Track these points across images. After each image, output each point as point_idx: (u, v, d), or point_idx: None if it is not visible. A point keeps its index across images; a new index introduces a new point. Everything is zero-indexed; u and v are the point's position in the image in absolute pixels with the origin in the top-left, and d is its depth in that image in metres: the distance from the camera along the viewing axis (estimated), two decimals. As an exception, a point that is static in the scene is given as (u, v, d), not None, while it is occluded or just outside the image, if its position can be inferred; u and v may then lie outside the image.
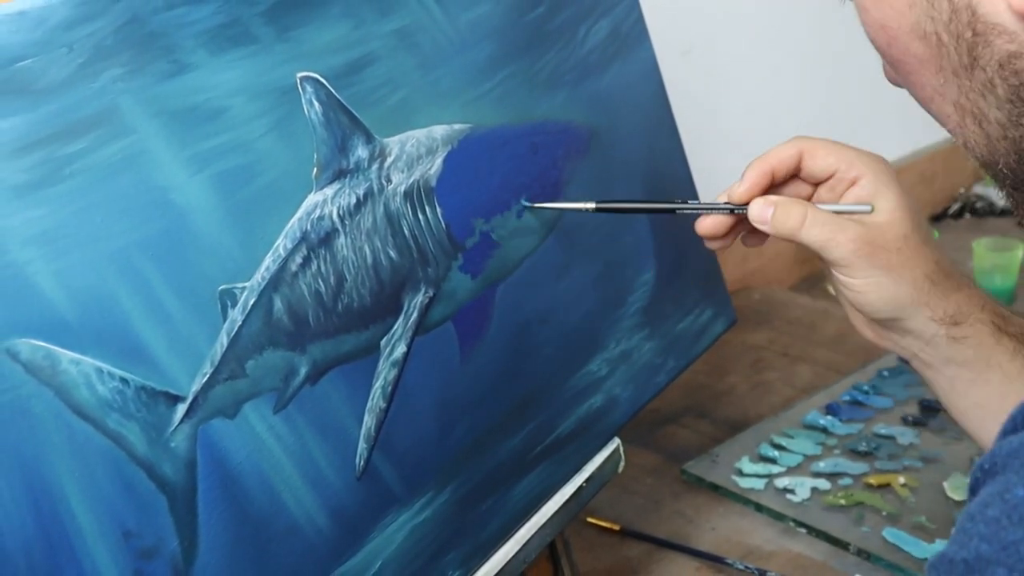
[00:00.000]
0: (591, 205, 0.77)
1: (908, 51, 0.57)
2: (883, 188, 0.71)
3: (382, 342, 0.68)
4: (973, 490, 0.47)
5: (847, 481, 1.07)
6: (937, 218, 1.71)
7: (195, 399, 0.58)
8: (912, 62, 0.57)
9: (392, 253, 0.68)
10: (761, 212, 0.71)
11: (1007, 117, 0.54)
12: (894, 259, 0.70)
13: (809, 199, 0.74)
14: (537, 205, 0.78)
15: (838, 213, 0.70)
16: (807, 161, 0.73)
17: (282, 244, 0.62)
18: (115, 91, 0.56)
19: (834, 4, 0.61)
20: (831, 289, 1.58)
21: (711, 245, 0.75)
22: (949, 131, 0.59)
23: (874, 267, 0.69)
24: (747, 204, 0.72)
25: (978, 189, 1.76)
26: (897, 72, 0.60)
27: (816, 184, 0.74)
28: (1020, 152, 0.55)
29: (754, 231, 0.73)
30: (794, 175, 0.74)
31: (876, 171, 0.72)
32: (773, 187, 0.73)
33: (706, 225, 0.74)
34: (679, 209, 0.76)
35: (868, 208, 0.71)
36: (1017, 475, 0.44)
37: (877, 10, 0.57)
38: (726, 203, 0.73)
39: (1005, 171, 0.56)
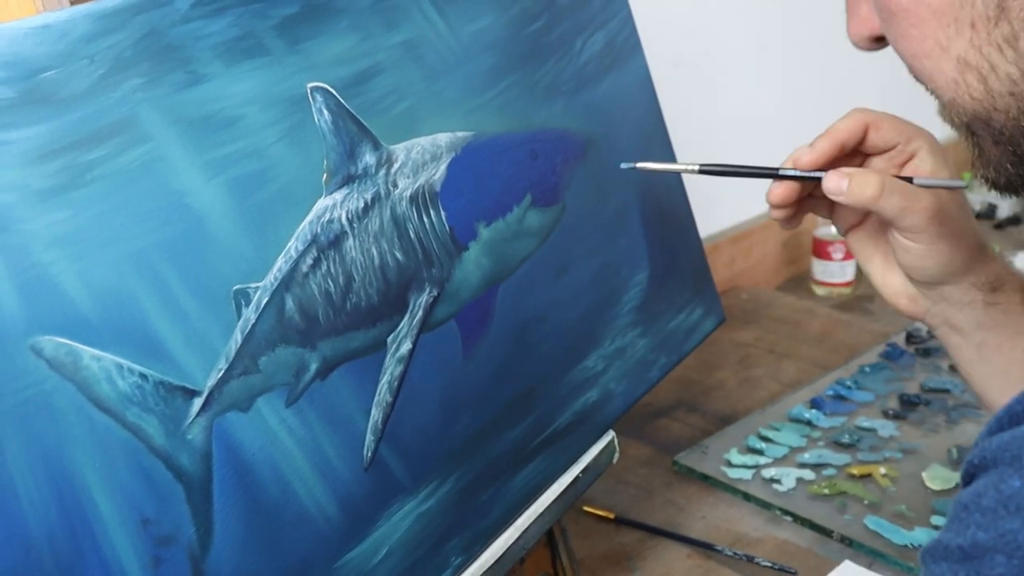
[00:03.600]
0: (695, 167, 0.73)
1: (923, 1, 0.54)
2: (939, 163, 0.71)
3: (389, 339, 0.68)
4: (965, 484, 0.47)
5: (830, 471, 1.07)
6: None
7: (210, 393, 0.57)
8: (922, 12, 0.54)
9: (398, 254, 0.68)
10: (837, 184, 0.68)
11: (1021, 72, 0.52)
12: (955, 226, 0.70)
13: (862, 166, 0.73)
14: (640, 165, 0.75)
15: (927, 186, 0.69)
16: (872, 133, 0.71)
17: (293, 246, 0.62)
18: (134, 100, 0.56)
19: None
20: (816, 289, 1.57)
21: (777, 215, 0.73)
22: (934, 86, 0.56)
23: (941, 235, 0.69)
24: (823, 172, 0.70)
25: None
26: (895, 23, 0.56)
27: (874, 155, 0.73)
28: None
29: (822, 201, 0.72)
30: (857, 147, 0.72)
31: (932, 146, 0.72)
32: (838, 159, 0.71)
33: (777, 193, 0.72)
34: (777, 176, 0.72)
35: (964, 183, 0.70)
36: (1011, 467, 0.44)
37: None
38: (816, 172, 0.70)
39: (995, 125, 0.54)
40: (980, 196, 1.73)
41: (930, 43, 0.54)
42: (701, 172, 0.73)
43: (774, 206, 0.73)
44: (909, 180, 0.69)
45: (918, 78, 0.57)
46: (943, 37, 0.54)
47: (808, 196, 0.73)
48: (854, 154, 0.72)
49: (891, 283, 0.75)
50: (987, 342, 0.73)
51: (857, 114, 0.72)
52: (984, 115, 0.54)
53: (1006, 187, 0.57)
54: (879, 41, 0.60)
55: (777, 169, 0.72)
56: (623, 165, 0.76)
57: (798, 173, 0.71)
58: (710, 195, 1.27)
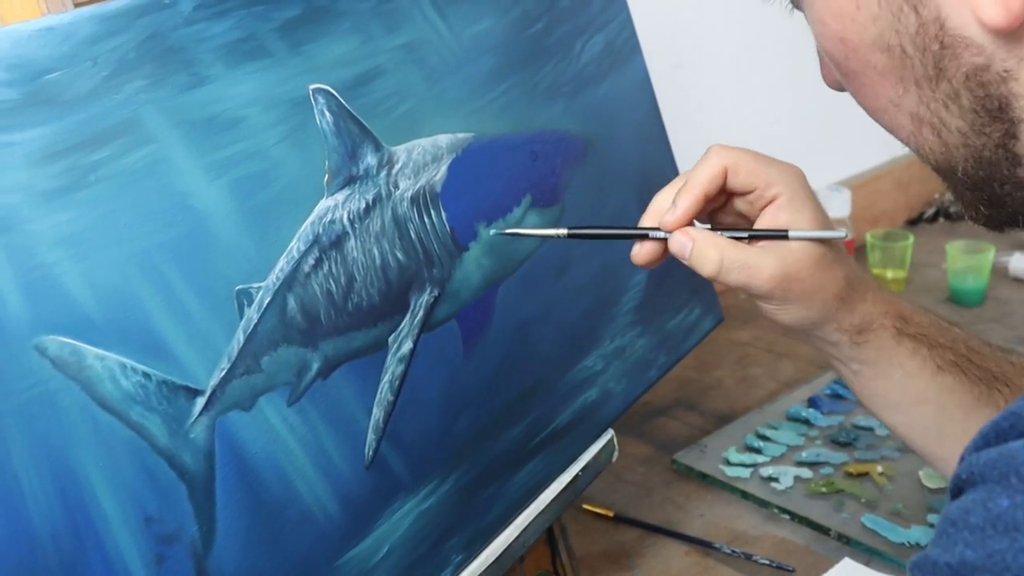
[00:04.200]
0: (563, 231, 0.73)
1: (868, 63, 0.55)
2: (799, 208, 0.69)
3: (390, 339, 0.68)
4: (953, 497, 0.47)
5: (828, 470, 1.07)
6: (913, 222, 1.71)
7: (213, 393, 0.57)
8: (870, 74, 0.55)
9: (399, 255, 0.68)
10: (681, 248, 0.69)
11: (969, 126, 0.53)
12: (807, 286, 0.69)
13: (725, 205, 0.72)
14: (507, 232, 0.75)
15: (757, 238, 0.68)
16: (730, 178, 0.70)
17: (295, 246, 0.62)
18: (137, 102, 0.56)
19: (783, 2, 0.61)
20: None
21: (646, 267, 0.72)
22: (900, 139, 0.58)
23: (789, 297, 0.69)
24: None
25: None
26: (850, 83, 0.58)
27: (733, 195, 0.71)
28: (979, 159, 0.54)
29: None
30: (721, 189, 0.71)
31: (793, 191, 0.70)
32: (702, 208, 0.70)
33: (642, 257, 0.71)
34: (625, 236, 0.72)
35: (843, 234, 0.69)
36: (999, 485, 0.44)
37: (837, 23, 0.55)
38: (652, 228, 0.70)
39: (962, 176, 0.55)
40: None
41: (883, 101, 0.56)
42: (570, 236, 0.73)
43: (642, 264, 0.72)
44: (784, 234, 0.68)
45: (886, 129, 0.58)
46: (894, 95, 0.55)
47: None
48: (719, 194, 0.71)
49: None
50: (862, 372, 0.74)
51: (715, 158, 0.70)
52: (946, 165, 0.55)
53: (987, 225, 0.58)
54: None
55: (635, 231, 0.71)
56: (492, 232, 0.74)
57: (647, 232, 0.70)
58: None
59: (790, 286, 0.68)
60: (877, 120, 0.58)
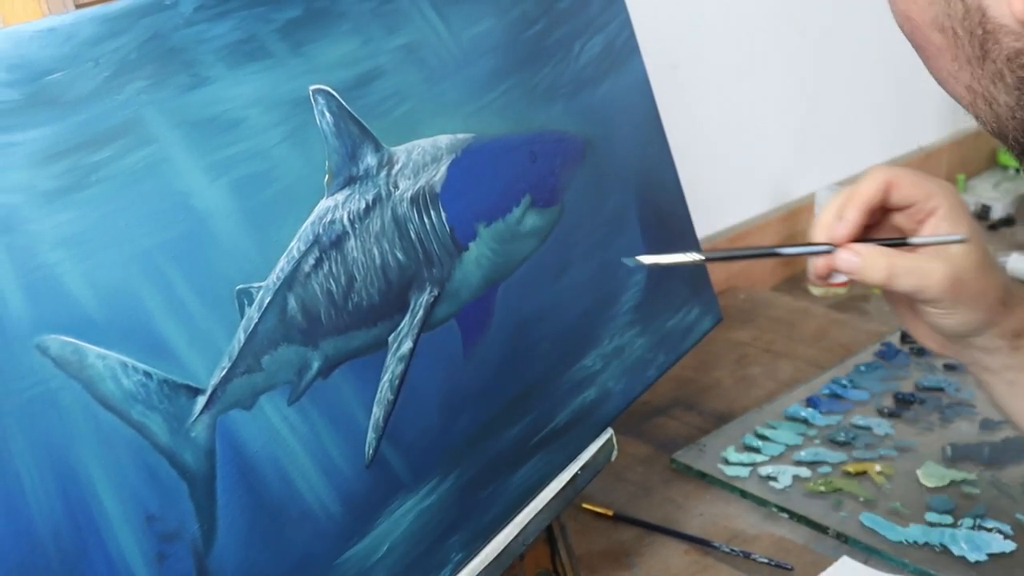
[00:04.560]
0: (700, 257, 0.72)
1: (928, 40, 0.59)
2: (959, 219, 0.71)
3: (390, 338, 0.68)
4: None
5: (826, 469, 1.07)
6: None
7: (214, 391, 0.57)
8: (931, 49, 0.59)
9: (399, 255, 0.68)
10: (848, 263, 0.70)
11: (1015, 101, 0.56)
12: (973, 289, 0.70)
13: (880, 222, 0.74)
14: (648, 261, 0.70)
15: (926, 245, 0.71)
16: (892, 192, 0.72)
17: (296, 246, 0.62)
18: (139, 103, 0.56)
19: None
20: (812, 289, 1.58)
21: (821, 284, 0.74)
22: (963, 107, 0.61)
23: (958, 301, 0.70)
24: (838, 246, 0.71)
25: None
26: (919, 54, 0.61)
27: (891, 210, 0.73)
28: None
29: None
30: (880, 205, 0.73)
31: (951, 203, 0.72)
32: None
33: (819, 269, 0.73)
34: (780, 251, 0.75)
35: (961, 237, 0.70)
36: None
37: (903, 2, 0.59)
38: (825, 244, 0.71)
39: (1013, 143, 0.59)
40: (974, 197, 1.73)
41: (944, 72, 0.60)
42: (707, 261, 0.74)
43: (823, 278, 0.74)
44: (904, 239, 0.71)
45: (952, 97, 0.61)
46: (953, 70, 0.59)
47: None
48: (878, 210, 0.73)
49: (920, 331, 0.77)
50: (1017, 380, 0.74)
51: (878, 174, 0.72)
52: (999, 132, 0.59)
53: None
54: None
55: (776, 248, 0.74)
56: (625, 260, 0.71)
57: (803, 250, 0.73)
58: (708, 196, 1.27)
59: (960, 288, 0.70)
60: (944, 89, 0.62)
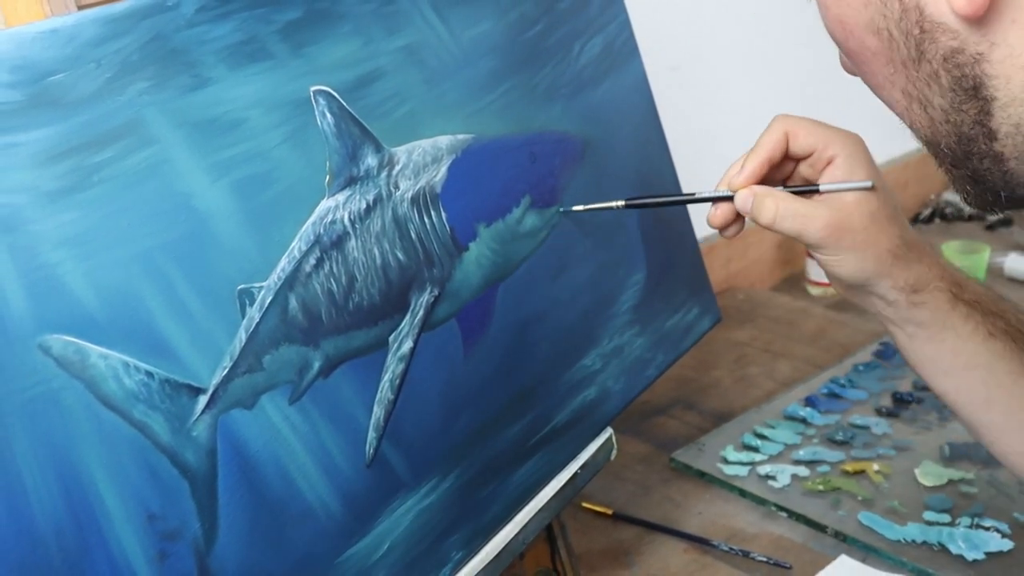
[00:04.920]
0: (621, 203, 0.78)
1: (863, 44, 0.59)
2: (856, 168, 0.72)
3: (390, 338, 0.68)
4: None
5: (825, 468, 1.07)
6: (909, 222, 1.71)
7: (215, 391, 0.57)
8: (866, 54, 0.59)
9: (399, 255, 0.68)
10: (744, 202, 0.73)
11: (949, 104, 0.57)
12: (860, 238, 0.71)
13: (792, 173, 0.75)
14: (574, 208, 0.80)
15: (830, 192, 0.72)
16: (791, 142, 0.74)
17: (297, 246, 0.62)
18: (140, 103, 0.56)
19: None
20: (810, 289, 1.58)
21: (725, 234, 0.76)
22: (897, 114, 0.61)
23: (841, 247, 0.71)
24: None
25: (947, 196, 1.76)
26: (853, 62, 0.62)
27: (798, 160, 0.75)
28: (960, 135, 0.57)
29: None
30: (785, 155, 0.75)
31: (850, 151, 0.73)
32: (769, 172, 0.74)
33: (717, 218, 0.75)
34: (691, 200, 0.78)
35: (869, 184, 0.72)
36: None
37: (836, 7, 0.59)
38: (726, 192, 0.74)
39: (946, 150, 0.59)
40: (972, 198, 1.73)
41: (880, 78, 0.60)
42: (627, 207, 0.78)
43: (717, 227, 0.75)
44: (816, 188, 0.72)
45: (886, 105, 0.62)
46: (888, 74, 0.59)
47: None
48: (786, 161, 0.75)
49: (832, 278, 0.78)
50: (916, 334, 0.75)
51: (777, 124, 0.74)
52: (932, 139, 0.59)
53: (976, 205, 0.61)
54: None
55: (694, 194, 0.77)
56: (560, 208, 0.81)
57: (714, 194, 0.75)
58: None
59: (843, 235, 0.71)
60: (878, 96, 0.62)
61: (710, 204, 0.75)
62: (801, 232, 0.71)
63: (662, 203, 0.80)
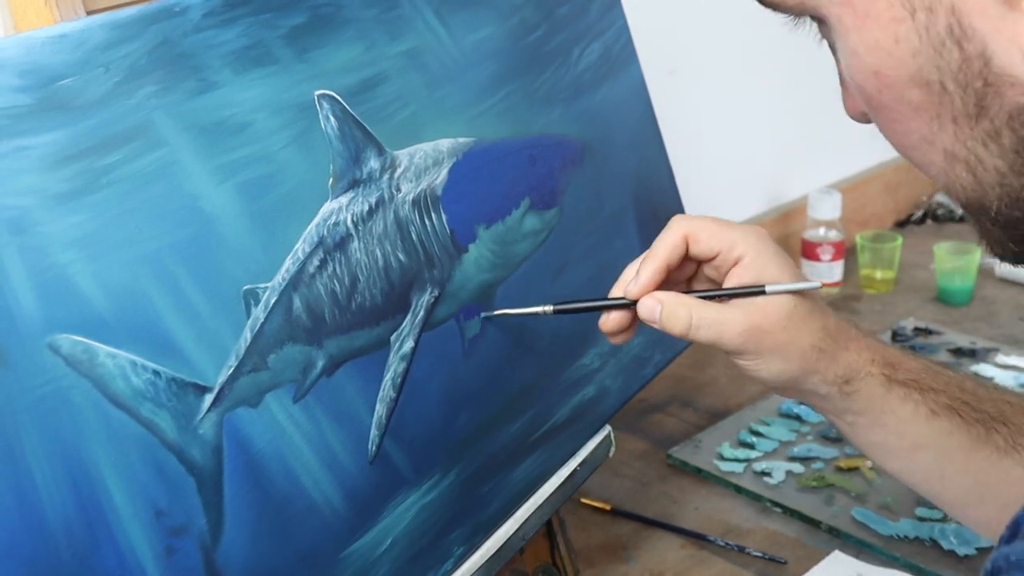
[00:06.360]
0: (549, 308, 0.72)
1: (902, 98, 0.52)
2: (766, 265, 0.68)
3: (392, 337, 0.68)
4: None
5: (819, 465, 1.07)
6: (901, 224, 1.71)
7: (221, 389, 0.58)
8: (904, 109, 0.52)
9: (401, 256, 0.68)
10: (650, 311, 0.68)
11: (1008, 166, 0.50)
12: (780, 338, 0.67)
13: (695, 274, 0.71)
14: (497, 313, 0.74)
15: (732, 296, 0.67)
16: (692, 246, 0.69)
17: (301, 248, 0.62)
18: (148, 107, 0.56)
19: (810, 27, 0.59)
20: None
21: (614, 341, 0.71)
22: (929, 175, 0.55)
23: (762, 350, 0.67)
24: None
25: (939, 197, 1.75)
26: (880, 117, 0.54)
27: (700, 262, 0.70)
28: (1015, 199, 0.51)
29: None
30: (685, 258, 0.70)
31: (758, 249, 0.68)
32: (667, 279, 0.69)
33: (609, 323, 0.70)
34: (587, 308, 0.71)
35: (816, 285, 0.68)
36: None
37: (872, 56, 0.51)
38: (622, 299, 0.69)
39: (995, 215, 0.52)
40: (963, 199, 1.73)
41: (915, 137, 0.53)
42: (556, 312, 0.72)
43: (608, 332, 0.70)
44: (762, 289, 0.67)
45: (913, 164, 0.55)
46: (928, 132, 0.52)
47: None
48: (686, 262, 0.70)
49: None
50: (856, 422, 0.71)
51: (676, 226, 0.69)
52: (977, 202, 0.52)
53: (1011, 260, 0.55)
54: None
55: (586, 302, 0.71)
56: (482, 315, 0.74)
57: (612, 302, 0.70)
58: (702, 199, 1.27)
59: (761, 339, 0.67)
60: (904, 155, 0.55)
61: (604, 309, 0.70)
62: (718, 339, 0.67)
63: (581, 309, 0.72)
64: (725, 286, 0.69)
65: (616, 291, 0.70)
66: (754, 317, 0.67)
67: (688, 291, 0.70)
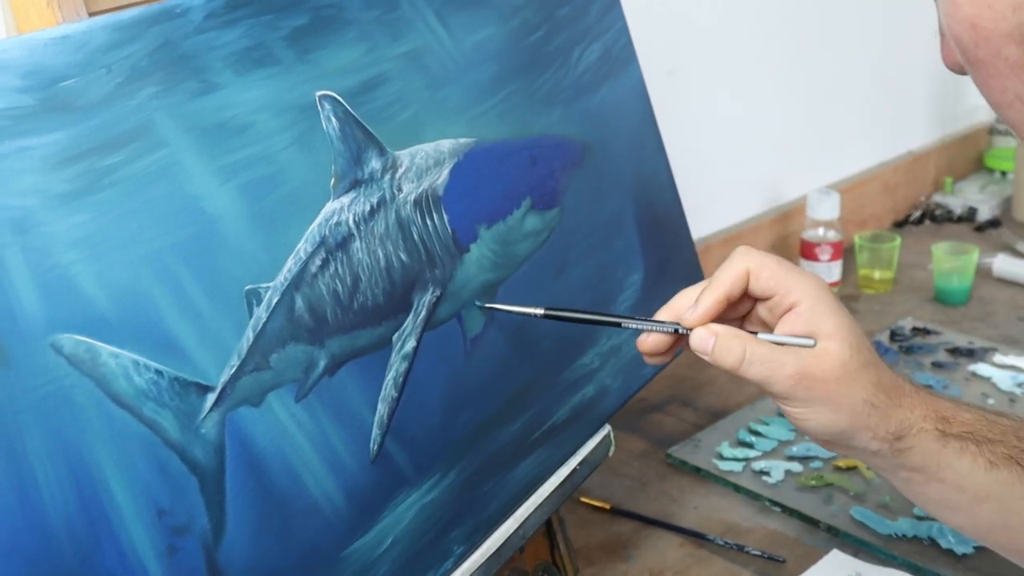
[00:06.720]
0: (540, 311, 0.70)
1: (999, 54, 0.50)
2: (822, 315, 0.66)
3: (394, 337, 0.68)
4: None
5: (818, 464, 1.07)
6: (900, 224, 1.71)
7: (223, 389, 0.57)
8: (999, 65, 0.50)
9: (403, 256, 0.68)
10: (703, 343, 0.66)
11: None
12: (832, 389, 0.65)
13: (750, 312, 0.69)
14: (489, 306, 0.73)
15: (779, 344, 0.65)
16: (752, 281, 0.67)
17: (303, 248, 0.62)
18: (150, 108, 0.56)
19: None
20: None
21: (651, 361, 0.70)
22: (1019, 134, 0.54)
23: (812, 399, 0.65)
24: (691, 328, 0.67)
25: (937, 198, 1.76)
26: (975, 71, 0.52)
27: (755, 300, 0.69)
28: None
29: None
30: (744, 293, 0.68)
31: (815, 298, 0.66)
32: (724, 311, 0.68)
33: (649, 344, 0.69)
34: (625, 323, 0.70)
35: (810, 343, 0.65)
36: None
37: (972, 7, 0.50)
38: (672, 322, 0.68)
39: None
40: (961, 200, 1.73)
41: (1011, 95, 0.51)
42: (545, 316, 0.70)
43: (646, 352, 0.69)
44: (754, 334, 0.66)
45: (1004, 122, 0.53)
46: (1023, 90, 0.50)
47: (681, 339, 0.69)
48: (744, 299, 0.68)
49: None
50: (912, 479, 0.69)
51: (740, 259, 0.67)
52: None
53: None
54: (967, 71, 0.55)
55: (622, 319, 0.70)
56: (477, 303, 0.73)
57: (649, 325, 0.68)
58: (702, 198, 1.27)
59: (812, 386, 0.64)
60: (997, 112, 0.53)
61: (638, 315, 0.69)
62: (768, 378, 0.64)
63: (585, 320, 0.71)
64: (776, 332, 0.67)
65: (664, 314, 0.69)
66: (807, 363, 0.65)
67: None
